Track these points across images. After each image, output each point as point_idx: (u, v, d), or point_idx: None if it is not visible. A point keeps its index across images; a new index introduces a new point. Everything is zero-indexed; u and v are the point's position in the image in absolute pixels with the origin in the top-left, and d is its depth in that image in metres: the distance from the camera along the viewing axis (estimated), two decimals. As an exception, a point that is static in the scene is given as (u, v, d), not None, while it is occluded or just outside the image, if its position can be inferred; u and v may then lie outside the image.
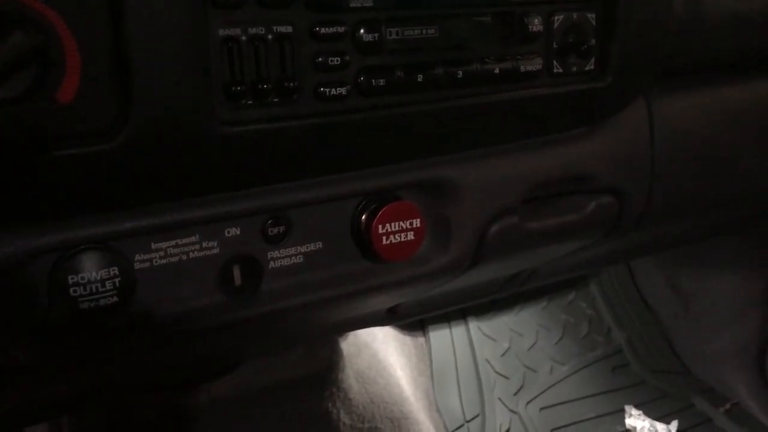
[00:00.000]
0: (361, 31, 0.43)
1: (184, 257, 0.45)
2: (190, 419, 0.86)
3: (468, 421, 1.23)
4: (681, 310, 1.36)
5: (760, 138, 0.72)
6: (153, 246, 0.44)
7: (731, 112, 0.70)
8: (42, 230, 0.39)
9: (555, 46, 0.51)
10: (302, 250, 0.49)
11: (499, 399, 1.30)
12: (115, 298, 0.42)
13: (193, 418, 0.86)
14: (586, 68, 0.53)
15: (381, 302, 0.60)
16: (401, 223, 0.50)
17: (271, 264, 0.48)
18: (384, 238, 0.50)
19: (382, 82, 0.44)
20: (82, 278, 0.41)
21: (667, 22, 0.56)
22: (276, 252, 0.48)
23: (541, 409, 1.31)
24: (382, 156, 0.48)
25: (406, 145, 0.48)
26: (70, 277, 0.41)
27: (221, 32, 0.39)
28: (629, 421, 1.28)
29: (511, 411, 1.31)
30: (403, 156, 0.49)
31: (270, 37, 0.41)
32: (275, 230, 0.47)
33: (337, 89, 0.43)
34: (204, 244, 0.46)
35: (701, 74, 0.68)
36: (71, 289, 0.41)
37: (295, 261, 0.49)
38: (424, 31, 0.45)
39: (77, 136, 0.36)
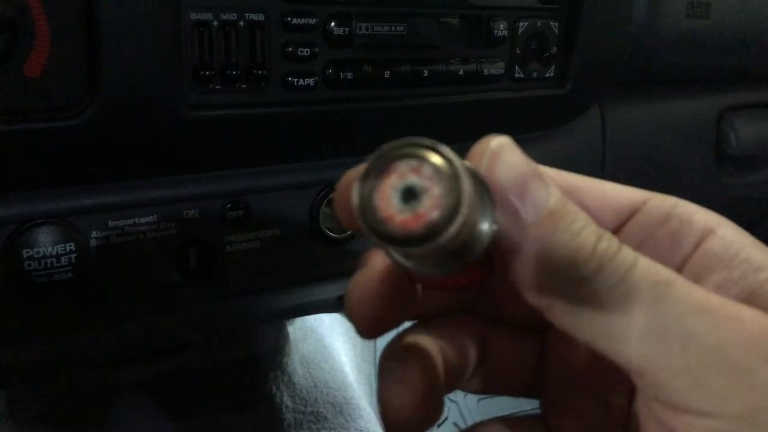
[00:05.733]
0: (332, 24, 0.44)
1: (141, 236, 0.45)
2: (132, 395, 0.85)
3: (408, 409, 1.25)
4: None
5: (701, 150, 0.76)
6: (110, 224, 0.44)
7: (677, 125, 0.74)
8: (-3, 202, 0.39)
9: (518, 51, 0.52)
10: (260, 236, 0.50)
11: (439, 388, 1.32)
12: (70, 274, 0.42)
13: (135, 393, 0.85)
14: (547, 75, 0.54)
15: (333, 290, 0.61)
16: None
17: (228, 248, 0.49)
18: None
19: (349, 75, 0.45)
20: (38, 252, 0.41)
21: (625, 35, 0.58)
22: (233, 236, 0.48)
23: (480, 399, 1.34)
24: (345, 148, 0.49)
25: (369, 139, 0.49)
26: (24, 251, 0.40)
27: (193, 16, 0.39)
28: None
29: (451, 400, 1.34)
30: (367, 149, 0.50)
31: (241, 23, 0.41)
32: (234, 214, 0.48)
33: (305, 80, 0.44)
34: (162, 225, 0.46)
35: (652, 87, 0.71)
36: (26, 263, 0.40)
37: (251, 246, 0.49)
38: (393, 28, 0.46)
39: (42, 110, 0.36)
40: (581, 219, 0.21)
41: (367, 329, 0.25)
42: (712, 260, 0.23)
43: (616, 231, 0.26)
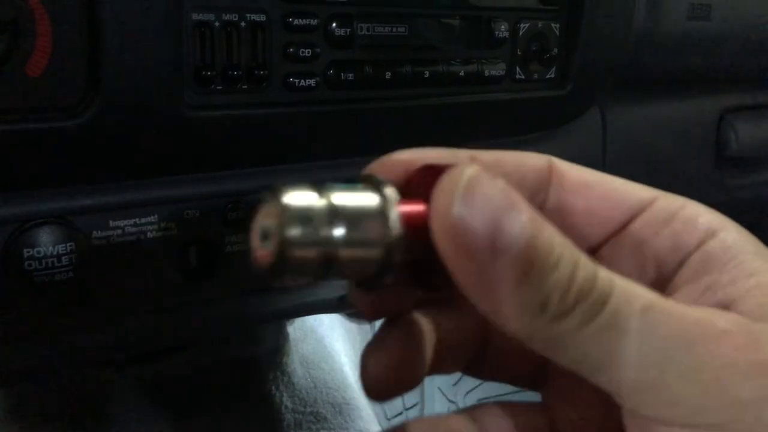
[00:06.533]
0: (334, 24, 0.44)
1: (142, 236, 0.45)
2: (130, 396, 0.85)
3: (407, 409, 1.26)
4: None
5: (701, 151, 0.76)
6: (111, 223, 0.44)
7: (677, 126, 0.74)
8: (-2, 202, 0.39)
9: (519, 52, 0.52)
10: (260, 236, 0.50)
11: (439, 389, 1.33)
12: (71, 274, 0.42)
13: (135, 394, 0.85)
14: (547, 76, 0.55)
15: (333, 290, 0.61)
16: None
17: (229, 248, 0.49)
18: None
19: (350, 76, 0.45)
20: (38, 252, 0.41)
21: (626, 37, 0.58)
22: (234, 236, 0.48)
23: (479, 400, 1.34)
24: (346, 148, 0.49)
25: (370, 140, 0.49)
26: (25, 251, 0.40)
27: (194, 16, 0.39)
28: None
29: (450, 401, 1.34)
30: (367, 149, 0.50)
31: (243, 24, 0.41)
32: (235, 215, 0.48)
33: (306, 80, 0.44)
34: (162, 225, 0.46)
35: (653, 88, 0.71)
36: (26, 263, 0.40)
37: (252, 246, 0.49)
38: (394, 29, 0.46)
39: (44, 110, 0.36)
40: (556, 248, 0.20)
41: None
42: (708, 262, 0.24)
43: (623, 228, 0.26)
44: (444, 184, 0.20)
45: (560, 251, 0.20)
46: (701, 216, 0.25)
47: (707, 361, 0.20)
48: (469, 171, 0.20)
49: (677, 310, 0.20)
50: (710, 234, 0.24)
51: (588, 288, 0.20)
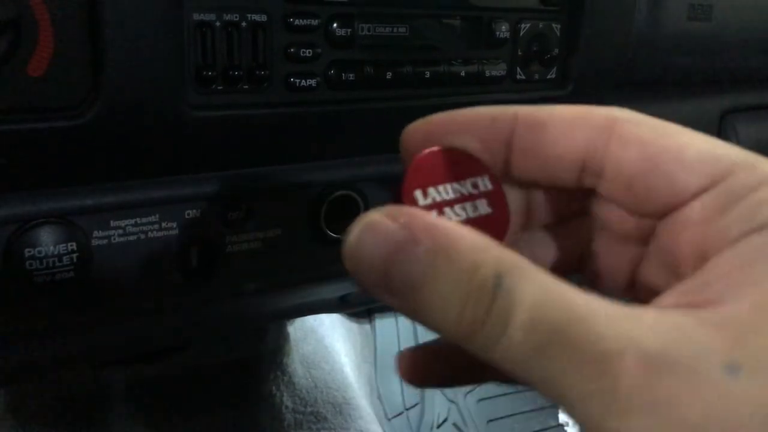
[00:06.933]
0: (335, 25, 0.44)
1: (143, 236, 0.45)
2: (131, 395, 0.85)
3: (407, 409, 1.25)
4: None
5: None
6: (112, 223, 0.44)
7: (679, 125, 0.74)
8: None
9: (520, 53, 0.52)
10: (261, 236, 0.50)
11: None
12: (72, 273, 0.42)
13: (136, 394, 0.85)
14: (548, 76, 0.55)
15: (334, 290, 0.61)
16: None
17: (229, 248, 0.49)
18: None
19: (351, 76, 0.45)
20: (39, 252, 0.41)
21: (627, 37, 0.58)
22: (235, 236, 0.49)
23: (479, 400, 1.34)
24: (346, 148, 0.49)
25: (371, 140, 0.49)
26: (26, 250, 0.40)
27: (196, 16, 0.39)
28: (563, 416, 1.33)
29: (450, 401, 1.34)
30: (368, 150, 0.50)
31: (244, 24, 0.41)
32: (235, 215, 0.48)
33: (307, 80, 0.44)
34: (163, 224, 0.46)
35: (653, 88, 0.71)
36: (27, 262, 0.40)
37: (253, 246, 0.50)
38: (395, 29, 0.46)
39: (45, 110, 0.36)
40: (447, 287, 0.20)
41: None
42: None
43: (695, 196, 0.23)
44: (352, 226, 0.21)
45: (448, 292, 0.20)
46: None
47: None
48: (367, 218, 0.21)
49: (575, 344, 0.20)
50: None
51: (475, 330, 0.20)
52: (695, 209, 0.22)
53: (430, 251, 0.20)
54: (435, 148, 0.25)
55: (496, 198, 0.25)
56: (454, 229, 0.21)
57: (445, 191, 0.25)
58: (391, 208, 0.21)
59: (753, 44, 0.72)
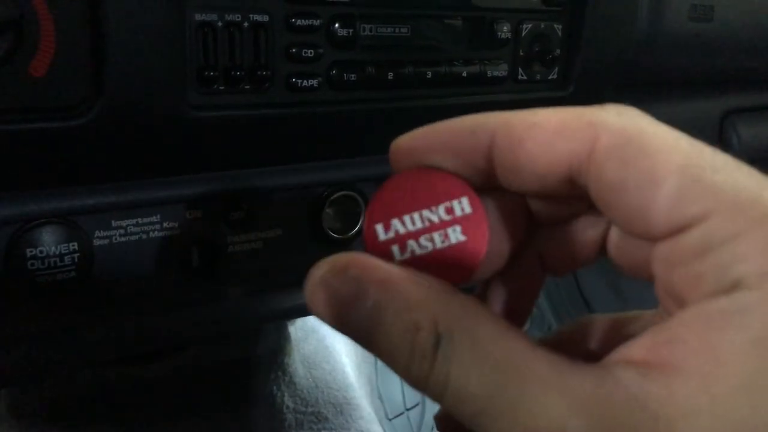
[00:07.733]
0: (336, 25, 0.44)
1: (144, 236, 0.45)
2: (133, 395, 0.85)
3: (408, 410, 1.26)
4: (620, 310, 1.41)
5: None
6: (114, 223, 0.44)
7: (679, 127, 0.73)
8: (1, 201, 0.39)
9: (521, 53, 0.52)
10: (262, 236, 0.50)
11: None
12: (73, 273, 0.42)
13: (137, 394, 0.85)
14: (550, 77, 0.54)
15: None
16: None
17: (231, 248, 0.49)
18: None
19: (353, 77, 0.45)
20: (41, 252, 0.41)
21: (628, 38, 0.58)
22: (236, 236, 0.49)
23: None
24: (348, 149, 0.49)
25: (372, 140, 0.49)
26: (28, 251, 0.40)
27: (197, 17, 0.39)
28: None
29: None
30: (369, 150, 0.50)
31: (246, 24, 0.41)
32: (236, 215, 0.48)
33: (309, 81, 0.44)
34: (165, 225, 0.46)
35: (655, 89, 0.71)
36: (29, 263, 0.40)
37: (254, 246, 0.50)
38: (397, 30, 0.46)
39: (47, 110, 0.36)
40: (394, 340, 0.21)
41: None
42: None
43: (672, 235, 0.21)
44: (309, 274, 0.22)
45: (397, 338, 0.21)
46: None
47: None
48: (318, 273, 0.22)
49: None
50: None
51: (424, 377, 0.21)
52: (676, 247, 0.21)
53: (377, 307, 0.21)
54: (408, 171, 0.24)
55: (473, 223, 0.23)
56: (401, 282, 0.21)
57: (411, 221, 0.23)
58: (343, 259, 0.22)
59: (754, 44, 0.72)
